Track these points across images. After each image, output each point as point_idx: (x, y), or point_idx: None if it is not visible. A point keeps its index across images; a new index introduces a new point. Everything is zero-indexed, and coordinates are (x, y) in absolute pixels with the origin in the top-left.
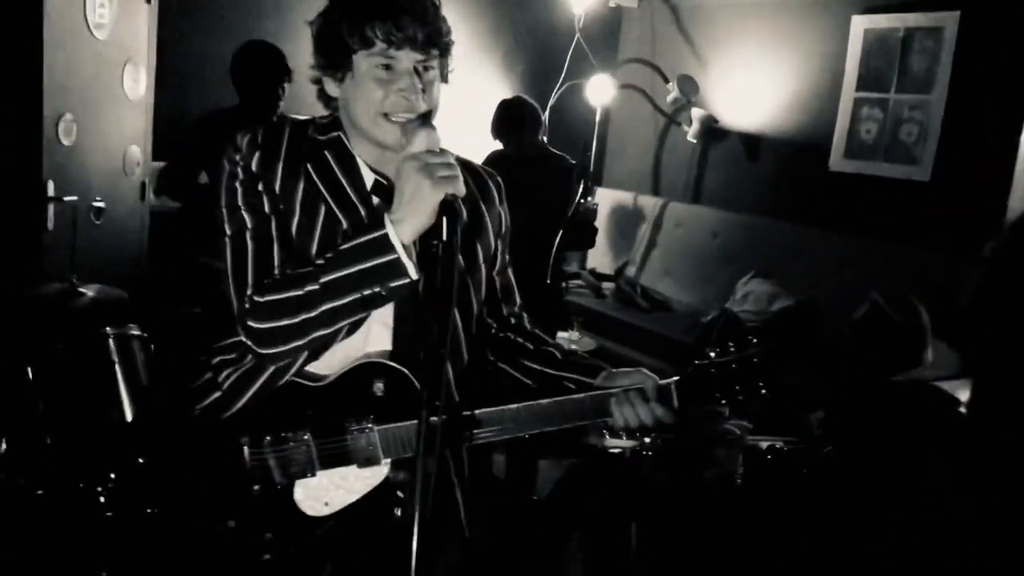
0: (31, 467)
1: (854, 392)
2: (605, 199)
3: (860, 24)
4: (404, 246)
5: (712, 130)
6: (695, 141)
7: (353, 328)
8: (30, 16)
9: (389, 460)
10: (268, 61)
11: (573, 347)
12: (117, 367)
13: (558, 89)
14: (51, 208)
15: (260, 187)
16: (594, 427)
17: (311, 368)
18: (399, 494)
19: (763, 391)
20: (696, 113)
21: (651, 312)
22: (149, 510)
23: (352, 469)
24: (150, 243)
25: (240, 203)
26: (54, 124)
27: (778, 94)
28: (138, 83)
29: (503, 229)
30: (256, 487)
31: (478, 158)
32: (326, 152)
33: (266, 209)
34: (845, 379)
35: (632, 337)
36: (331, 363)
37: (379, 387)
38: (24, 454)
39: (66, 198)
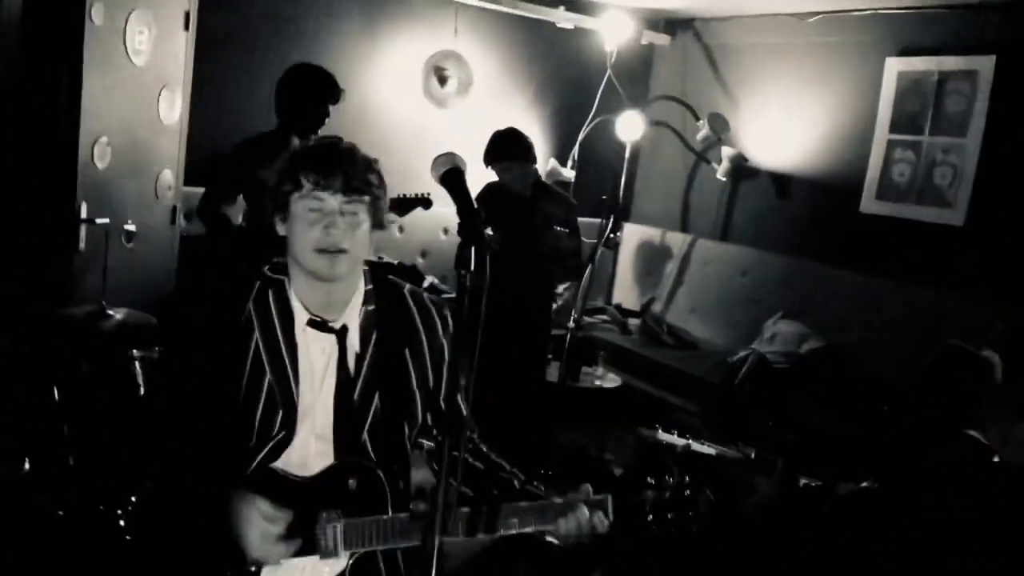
0: (53, 488)
1: (921, 434)
2: (633, 235)
3: (894, 66)
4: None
5: (742, 169)
6: (725, 179)
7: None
8: (72, 41)
9: (348, 553)
10: (317, 83)
11: (597, 383)
12: (142, 390)
13: (588, 125)
14: (83, 230)
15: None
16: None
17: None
18: None
19: (692, 521)
20: (726, 151)
21: (677, 350)
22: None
23: (313, 560)
24: (179, 267)
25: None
26: (89, 147)
27: (809, 134)
28: (173, 108)
29: (443, 359)
30: (228, 572)
31: None
32: (269, 291)
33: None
34: (907, 420)
35: (657, 374)
36: (290, 461)
37: (352, 483)
38: (47, 474)
39: (98, 220)
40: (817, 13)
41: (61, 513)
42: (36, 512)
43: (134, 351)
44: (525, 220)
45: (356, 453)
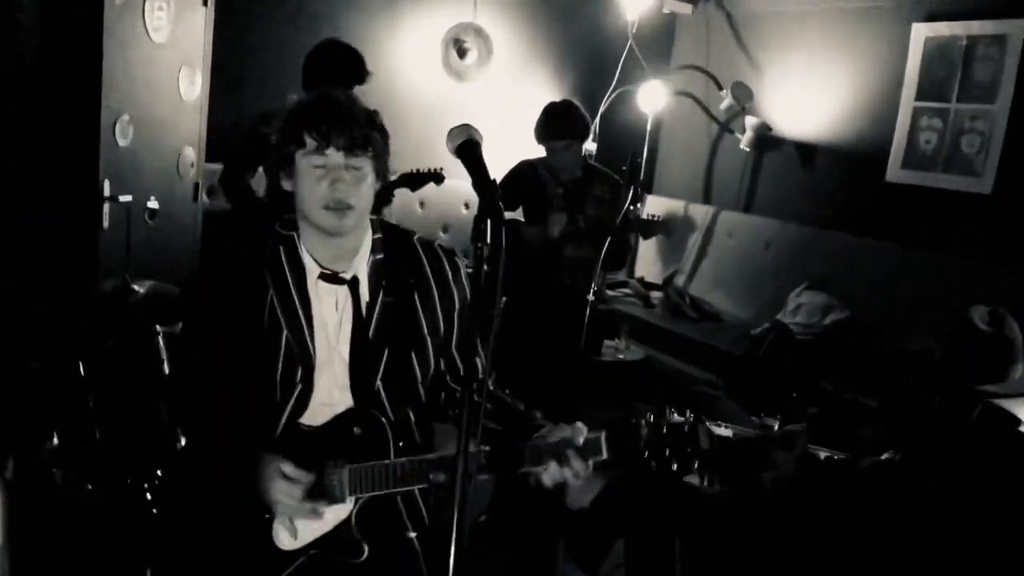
0: (81, 462)
1: (939, 403)
2: (655, 207)
3: (921, 32)
4: None
5: (766, 138)
6: (748, 149)
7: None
8: (91, 19)
9: (353, 498)
10: (346, 61)
11: (619, 356)
12: (166, 365)
13: (609, 95)
14: (107, 207)
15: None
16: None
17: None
18: (357, 537)
19: (692, 459)
20: (750, 121)
21: (700, 323)
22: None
23: (321, 505)
24: (202, 243)
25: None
26: (111, 125)
27: (834, 102)
28: (194, 85)
29: (456, 306)
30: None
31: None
32: (280, 247)
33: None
34: (927, 390)
35: (680, 347)
36: (312, 416)
37: (357, 431)
38: (74, 449)
39: (121, 198)
40: None
41: (89, 487)
42: (64, 486)
43: (158, 326)
44: (574, 204)
45: (371, 401)
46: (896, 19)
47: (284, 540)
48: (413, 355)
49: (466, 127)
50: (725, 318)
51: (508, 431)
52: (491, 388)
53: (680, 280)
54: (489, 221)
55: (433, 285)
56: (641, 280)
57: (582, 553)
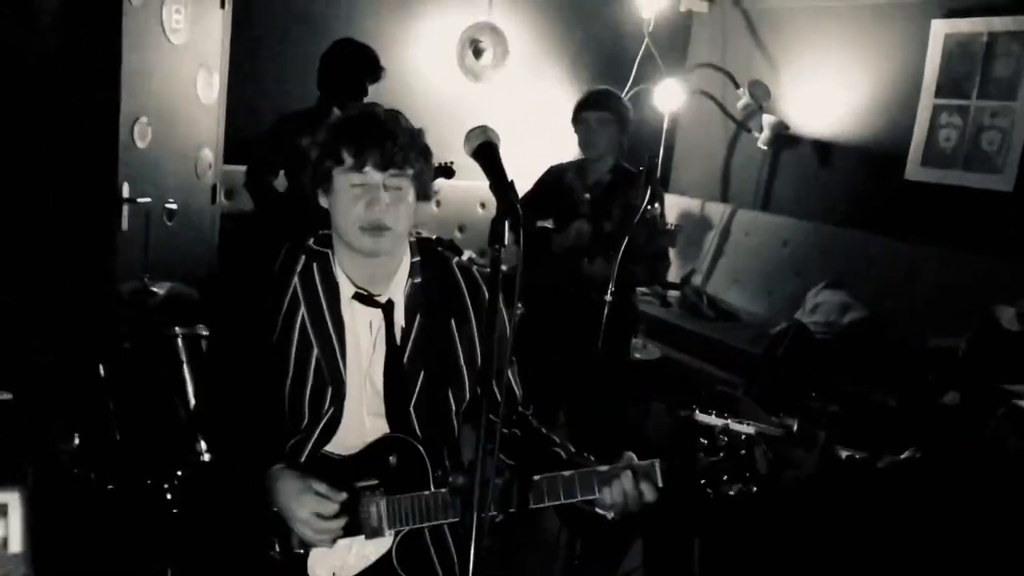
0: (102, 462)
1: (961, 402)
2: (672, 206)
3: (941, 28)
4: None
5: (783, 137)
6: (766, 148)
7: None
8: (110, 22)
9: (393, 531)
10: (359, 59)
11: (636, 355)
12: (185, 367)
13: (626, 95)
14: (125, 209)
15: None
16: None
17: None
18: (400, 571)
19: (749, 483)
20: (767, 119)
21: (717, 321)
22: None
23: (361, 539)
24: (220, 245)
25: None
26: (130, 127)
27: (852, 100)
28: (211, 87)
29: (495, 332)
30: (275, 551)
31: (542, 166)
32: (314, 264)
33: (252, 329)
34: (947, 389)
35: (697, 346)
36: (342, 444)
37: (392, 459)
38: (96, 450)
39: (140, 200)
40: None
41: (110, 487)
42: (85, 486)
43: (177, 328)
44: (599, 210)
45: (405, 429)
46: (915, 15)
47: (322, 575)
48: (447, 384)
49: (483, 128)
50: (743, 317)
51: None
52: (535, 425)
53: (697, 279)
54: (507, 223)
55: (471, 313)
56: None
57: (600, 551)
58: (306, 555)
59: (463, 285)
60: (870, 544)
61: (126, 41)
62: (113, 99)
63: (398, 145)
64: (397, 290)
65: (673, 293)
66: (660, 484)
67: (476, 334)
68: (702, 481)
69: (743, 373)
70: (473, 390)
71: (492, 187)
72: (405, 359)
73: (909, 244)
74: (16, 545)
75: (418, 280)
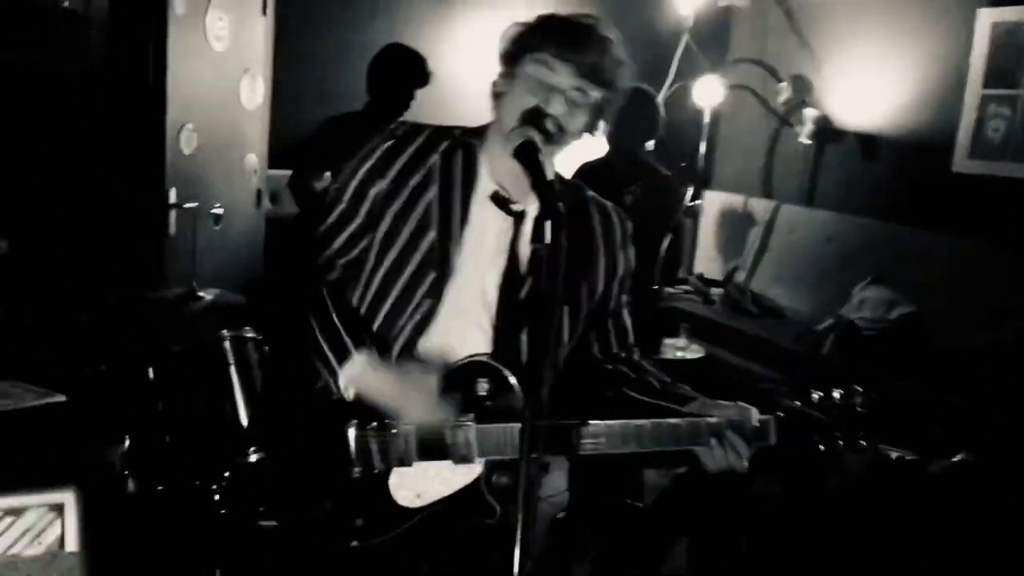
0: (151, 465)
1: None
2: (714, 202)
3: (987, 18)
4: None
5: (827, 130)
6: (809, 142)
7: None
8: (156, 32)
9: (483, 459)
10: (408, 64)
11: (679, 354)
12: (233, 369)
13: (666, 91)
14: (173, 215)
15: (375, 171)
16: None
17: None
18: (490, 499)
19: (863, 443)
20: (809, 113)
21: (761, 319)
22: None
23: (447, 464)
24: (265, 249)
25: (354, 173)
26: (176, 134)
27: (897, 92)
28: (255, 93)
29: (619, 272)
30: (356, 469)
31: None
32: (459, 151)
33: (370, 193)
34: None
35: (741, 344)
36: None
37: (483, 386)
38: (145, 452)
39: (187, 205)
40: None
41: (160, 488)
42: (136, 487)
43: (224, 330)
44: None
45: (508, 352)
46: (961, 4)
47: (404, 496)
48: (565, 315)
49: (523, 128)
50: (787, 314)
51: (660, 403)
52: (636, 360)
53: (741, 276)
54: (548, 223)
55: (600, 245)
56: (700, 276)
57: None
58: (387, 475)
59: (596, 217)
60: (919, 549)
61: (171, 50)
62: (160, 106)
63: (602, 60)
64: (532, 205)
65: (716, 291)
66: (772, 441)
67: (602, 268)
68: (815, 437)
69: (788, 371)
70: (586, 327)
71: (533, 186)
72: (527, 281)
73: (958, 237)
74: (72, 544)
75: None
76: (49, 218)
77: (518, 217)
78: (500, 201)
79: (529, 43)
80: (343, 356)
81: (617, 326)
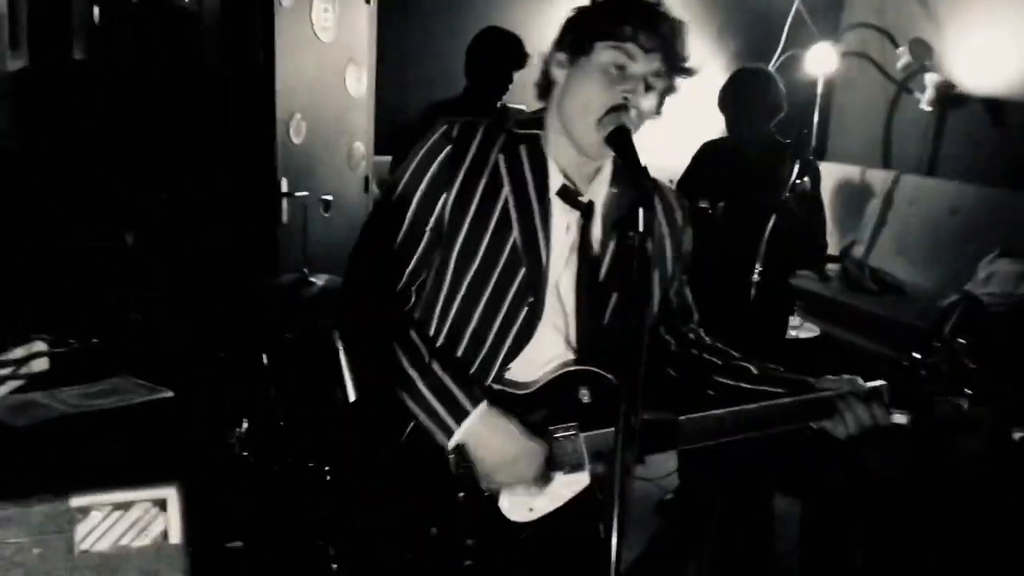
0: (268, 446)
1: None
2: (830, 174)
3: None
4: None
5: (949, 96)
6: (930, 109)
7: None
8: (264, 25)
9: (592, 466)
10: (505, 47)
11: (793, 333)
12: (342, 354)
13: (776, 61)
14: (285, 203)
15: (441, 180)
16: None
17: (511, 376)
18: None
19: (973, 399)
20: (931, 78)
21: (881, 296)
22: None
23: (558, 475)
24: None
25: (416, 186)
26: (285, 124)
27: None
28: (360, 82)
29: (682, 252)
30: (461, 494)
31: (691, 140)
32: (521, 146)
33: (438, 204)
34: None
35: (859, 323)
36: (516, 371)
37: (584, 393)
38: (261, 434)
39: (298, 193)
40: None
41: (275, 469)
42: (254, 468)
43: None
44: (758, 185)
45: (593, 352)
46: None
47: (516, 513)
48: (641, 306)
49: (616, 113)
50: (908, 290)
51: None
52: (708, 341)
53: (858, 251)
54: (640, 211)
55: (665, 229)
56: None
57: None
58: (497, 495)
59: (657, 198)
60: None
61: (279, 41)
62: (270, 98)
63: (677, 45)
64: (598, 193)
65: (832, 267)
66: (888, 410)
67: (668, 252)
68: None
69: (910, 350)
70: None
71: (626, 172)
72: (602, 274)
73: None
74: (176, 536)
75: (615, 190)
76: (171, 211)
77: (586, 209)
78: (568, 194)
79: (600, 29)
80: (459, 414)
81: (680, 304)
